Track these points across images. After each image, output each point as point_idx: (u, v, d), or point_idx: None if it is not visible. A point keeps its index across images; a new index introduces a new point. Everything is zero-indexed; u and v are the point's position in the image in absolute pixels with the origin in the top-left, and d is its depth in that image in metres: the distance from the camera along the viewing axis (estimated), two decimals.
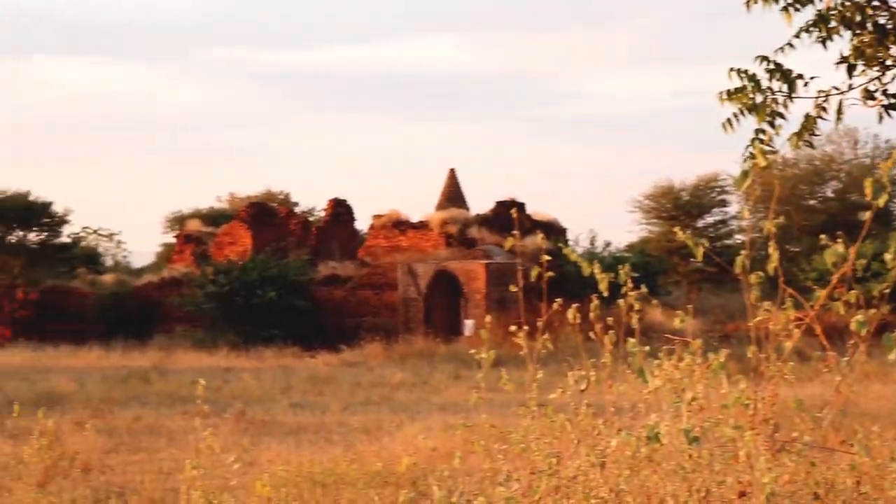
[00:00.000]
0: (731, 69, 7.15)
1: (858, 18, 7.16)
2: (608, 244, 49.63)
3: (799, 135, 7.52)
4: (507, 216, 46.45)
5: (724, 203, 58.52)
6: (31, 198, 56.80)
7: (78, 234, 63.05)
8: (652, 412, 5.83)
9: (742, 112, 7.27)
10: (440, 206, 48.59)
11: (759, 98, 7.18)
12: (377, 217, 49.31)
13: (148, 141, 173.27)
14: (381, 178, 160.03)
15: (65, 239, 59.52)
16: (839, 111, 7.43)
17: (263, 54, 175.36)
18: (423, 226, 47.66)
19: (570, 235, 48.76)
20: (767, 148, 7.15)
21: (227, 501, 7.71)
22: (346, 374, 31.72)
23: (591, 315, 6.00)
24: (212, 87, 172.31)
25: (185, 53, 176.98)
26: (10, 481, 12.23)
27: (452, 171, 50.37)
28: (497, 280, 41.47)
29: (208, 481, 7.62)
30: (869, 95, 7.44)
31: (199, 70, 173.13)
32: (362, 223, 53.74)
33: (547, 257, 5.80)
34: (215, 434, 8.18)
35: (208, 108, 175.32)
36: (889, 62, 7.37)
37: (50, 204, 57.20)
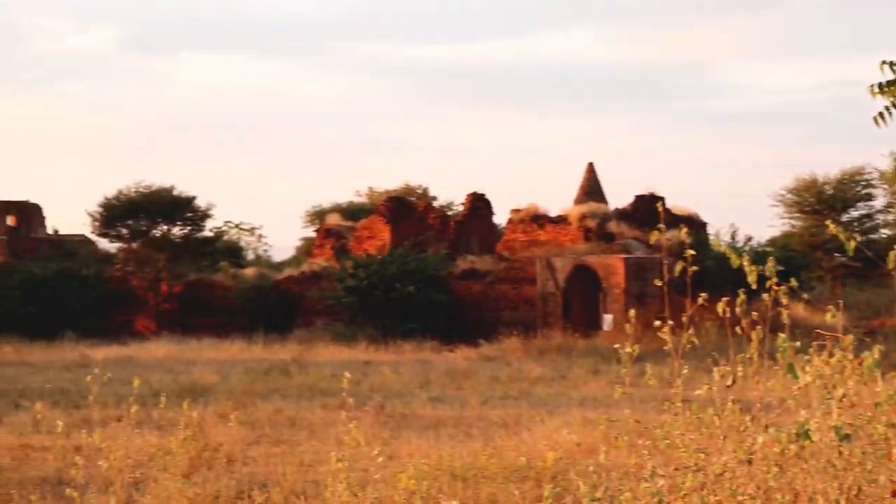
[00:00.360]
0: (883, 62, 6.89)
1: None
2: (749, 239, 48.83)
3: None
4: (646, 210, 46.28)
5: (869, 197, 57.13)
6: (175, 193, 57.86)
7: (220, 228, 63.75)
8: (801, 409, 5.70)
9: (895, 105, 6.94)
10: (578, 201, 48.42)
11: None
12: (515, 211, 49.16)
13: (289, 136, 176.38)
14: (520, 172, 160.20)
15: (207, 233, 60.25)
16: None
17: (403, 49, 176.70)
18: (561, 220, 47.45)
19: (710, 230, 48.20)
20: None
21: (369, 494, 7.77)
22: (485, 369, 31.64)
23: (738, 309, 5.88)
24: (351, 81, 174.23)
25: (325, 49, 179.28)
26: (156, 472, 12.42)
27: (591, 164, 50.22)
28: (636, 275, 41.08)
29: (351, 474, 7.76)
30: None
31: (338, 65, 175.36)
32: (500, 217, 53.47)
33: (691, 252, 5.75)
34: (356, 427, 8.30)
35: (348, 102, 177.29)
36: None
37: (193, 198, 57.78)
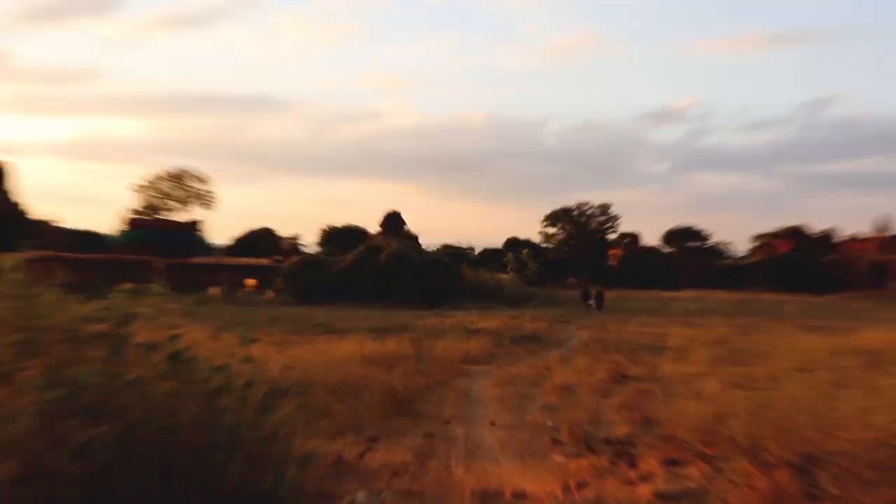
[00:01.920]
0: None
1: None
2: None
3: None
4: None
5: None
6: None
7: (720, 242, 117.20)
8: None
9: None
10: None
11: None
12: (850, 236, 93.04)
13: None
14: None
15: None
16: None
17: None
18: (868, 240, 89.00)
19: None
20: None
21: (794, 356, 14.39)
22: (834, 303, 58.42)
23: None
24: None
25: None
26: (694, 343, 21.25)
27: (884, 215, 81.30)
28: None
29: (787, 346, 16.96)
30: None
31: None
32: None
33: None
34: (792, 327, 24.51)
35: None
36: None
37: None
